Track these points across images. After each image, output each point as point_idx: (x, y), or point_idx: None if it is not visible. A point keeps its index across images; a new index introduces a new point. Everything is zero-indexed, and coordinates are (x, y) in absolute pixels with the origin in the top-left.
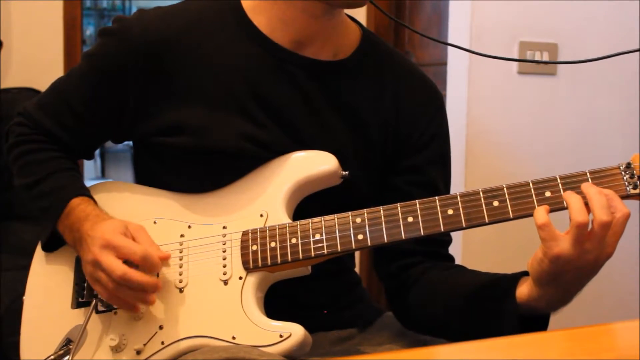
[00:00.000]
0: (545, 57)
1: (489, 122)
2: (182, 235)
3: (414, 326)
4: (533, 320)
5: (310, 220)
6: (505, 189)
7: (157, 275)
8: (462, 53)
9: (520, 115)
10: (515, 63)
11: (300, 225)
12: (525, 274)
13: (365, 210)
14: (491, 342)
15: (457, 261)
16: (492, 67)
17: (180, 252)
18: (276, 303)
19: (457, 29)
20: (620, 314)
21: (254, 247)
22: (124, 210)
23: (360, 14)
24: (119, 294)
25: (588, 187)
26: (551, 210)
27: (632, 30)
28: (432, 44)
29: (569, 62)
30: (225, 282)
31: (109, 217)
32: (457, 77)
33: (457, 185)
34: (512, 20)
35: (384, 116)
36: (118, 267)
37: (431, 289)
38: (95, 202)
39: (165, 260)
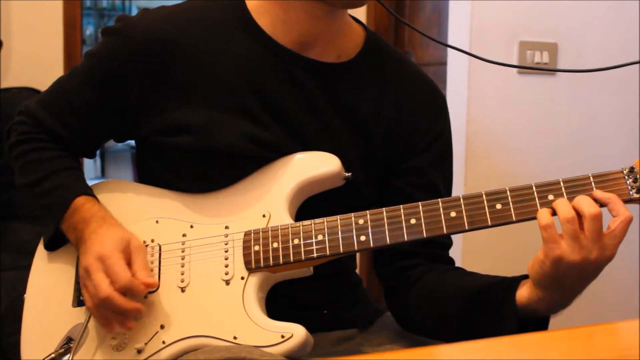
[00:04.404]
0: (545, 57)
1: (489, 122)
2: (184, 235)
3: (412, 327)
4: (532, 323)
5: (312, 221)
6: (508, 191)
7: (146, 297)
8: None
9: (520, 115)
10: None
11: (302, 226)
12: (525, 277)
13: (367, 211)
14: (491, 342)
15: (457, 262)
16: (492, 67)
17: (182, 252)
18: (277, 303)
19: (457, 29)
20: (620, 314)
21: (256, 248)
22: (126, 209)
23: (360, 14)
24: (100, 311)
25: (571, 199)
26: (554, 214)
27: (632, 30)
28: (432, 44)
29: (569, 70)
30: (227, 282)
31: (114, 221)
32: (457, 77)
33: (457, 185)
34: (512, 20)
35: (387, 118)
36: (104, 288)
37: (430, 291)
38: (99, 201)
39: (151, 287)
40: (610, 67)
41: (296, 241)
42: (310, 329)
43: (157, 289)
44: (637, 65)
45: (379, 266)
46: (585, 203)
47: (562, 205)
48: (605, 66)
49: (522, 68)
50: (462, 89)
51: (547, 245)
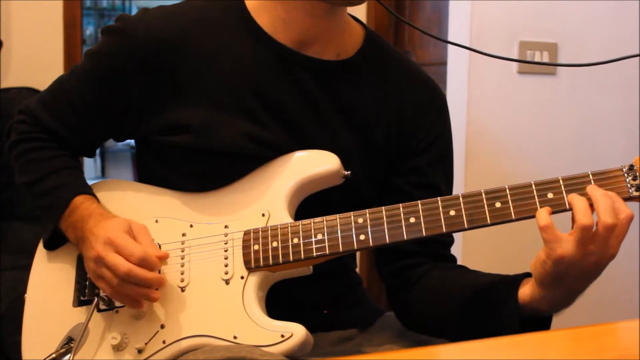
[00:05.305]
0: (545, 57)
1: (489, 122)
2: (183, 234)
3: (415, 326)
4: (535, 321)
5: (312, 220)
6: (507, 190)
7: (159, 273)
8: (463, 53)
9: (520, 114)
10: (516, 63)
11: (302, 225)
12: (527, 275)
13: (367, 210)
14: (491, 342)
15: (458, 260)
16: (492, 67)
17: (182, 251)
18: (277, 303)
19: (457, 28)
20: (620, 314)
21: (256, 247)
22: (126, 208)
23: (360, 13)
24: (123, 290)
25: (593, 190)
26: (553, 212)
27: (632, 30)
28: (432, 43)
29: (569, 65)
30: (227, 282)
31: (112, 216)
32: (457, 77)
33: (457, 184)
34: (512, 20)
35: (387, 116)
36: (123, 264)
37: (433, 290)
38: (97, 200)
39: (163, 258)
40: (611, 61)
41: (295, 240)
42: (310, 329)
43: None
44: (637, 65)
45: (380, 266)
46: (606, 209)
47: (582, 210)
48: (605, 68)
49: (522, 62)
50: (462, 89)
51: (549, 245)
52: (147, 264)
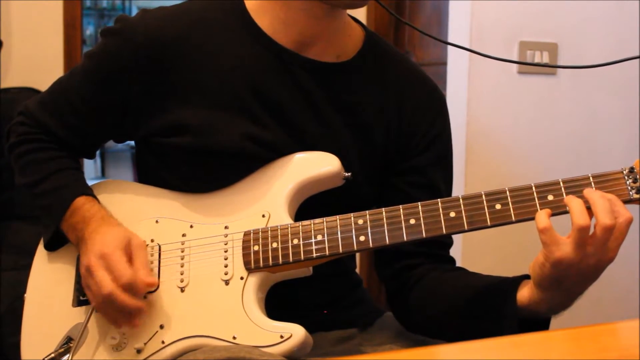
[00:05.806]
0: (545, 57)
1: (489, 122)
2: (184, 235)
3: (414, 327)
4: (534, 323)
5: (312, 221)
6: (507, 192)
7: (145, 297)
8: (463, 53)
9: (521, 115)
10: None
11: (302, 226)
12: (526, 277)
13: (367, 211)
14: (491, 342)
15: (457, 261)
16: (492, 67)
17: (182, 252)
18: (277, 303)
19: (457, 28)
20: (620, 314)
21: (256, 248)
22: (126, 209)
23: (360, 14)
24: (104, 308)
25: (591, 192)
26: (553, 214)
27: (632, 30)
28: (432, 43)
29: (570, 66)
30: (227, 282)
31: (114, 221)
32: (457, 77)
33: (457, 185)
34: (512, 20)
35: (387, 117)
36: (107, 284)
37: (432, 291)
38: (99, 201)
39: (152, 286)
40: (611, 62)
41: (295, 241)
42: (310, 329)
43: (157, 288)
44: (638, 65)
45: (380, 267)
46: (603, 211)
47: (578, 211)
48: (605, 68)
49: (522, 64)
50: (462, 89)
51: (547, 248)
52: (133, 289)
